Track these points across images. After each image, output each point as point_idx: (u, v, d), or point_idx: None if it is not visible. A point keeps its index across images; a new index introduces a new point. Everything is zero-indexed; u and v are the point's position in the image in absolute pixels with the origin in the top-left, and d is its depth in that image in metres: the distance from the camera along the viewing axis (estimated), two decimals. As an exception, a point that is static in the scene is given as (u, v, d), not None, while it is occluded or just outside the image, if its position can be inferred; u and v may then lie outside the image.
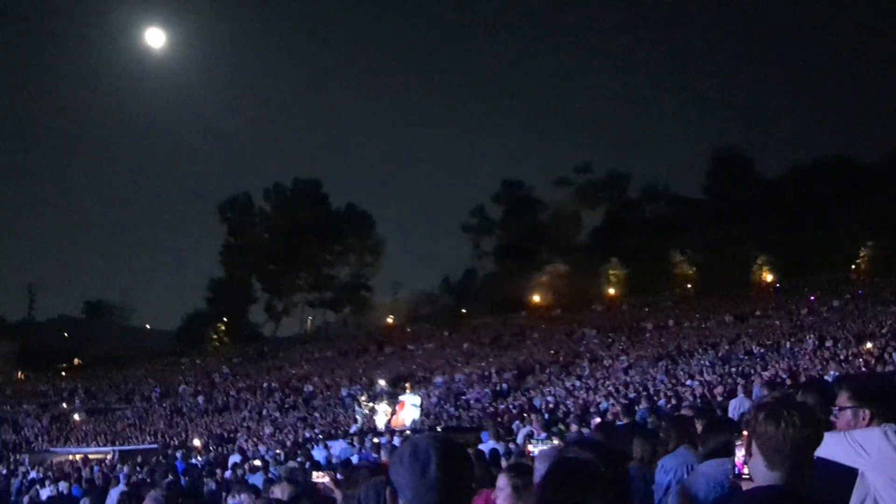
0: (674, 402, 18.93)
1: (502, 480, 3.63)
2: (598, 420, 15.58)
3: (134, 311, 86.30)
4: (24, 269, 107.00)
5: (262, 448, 26.11)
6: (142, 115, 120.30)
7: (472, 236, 78.11)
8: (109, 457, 29.76)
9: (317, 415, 37.30)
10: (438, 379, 39.20)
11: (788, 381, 16.61)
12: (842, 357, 22.22)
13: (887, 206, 49.70)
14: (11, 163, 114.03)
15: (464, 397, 34.35)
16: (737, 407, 11.18)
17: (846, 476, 3.12)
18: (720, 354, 29.51)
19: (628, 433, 6.42)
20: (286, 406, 41.04)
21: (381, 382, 38.52)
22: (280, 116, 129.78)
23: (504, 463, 9.25)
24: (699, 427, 5.08)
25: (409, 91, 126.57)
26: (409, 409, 25.96)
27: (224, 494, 11.02)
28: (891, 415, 3.16)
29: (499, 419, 24.68)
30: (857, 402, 3.27)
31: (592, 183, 73.06)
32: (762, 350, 28.38)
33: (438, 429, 24.37)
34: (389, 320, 71.95)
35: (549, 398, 28.57)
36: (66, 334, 78.12)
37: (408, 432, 21.71)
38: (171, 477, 16.12)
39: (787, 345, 27.86)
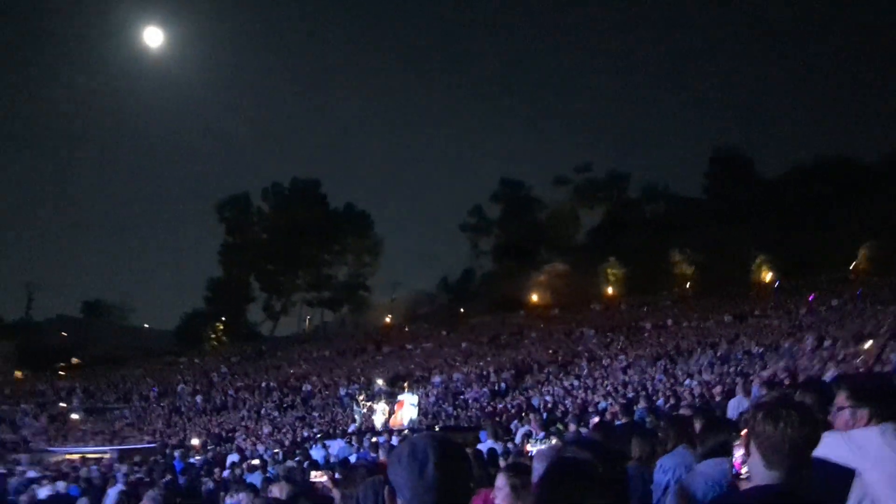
0: (672, 401, 18.94)
1: (501, 480, 3.63)
2: (596, 420, 15.59)
3: (132, 311, 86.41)
4: (22, 269, 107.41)
5: (260, 447, 26.11)
6: (140, 114, 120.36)
7: (470, 236, 78.25)
8: (108, 456, 29.73)
9: (315, 414, 37.33)
10: (436, 378, 39.19)
11: (787, 381, 16.62)
12: (840, 357, 22.22)
13: (886, 205, 49.74)
14: (10, 162, 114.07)
15: (462, 397, 34.37)
16: (736, 407, 11.16)
17: (844, 476, 3.12)
18: (719, 354, 29.50)
19: (627, 433, 6.41)
20: (284, 405, 41.05)
21: (380, 382, 38.53)
22: (279, 116, 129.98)
23: (502, 463, 9.25)
24: (698, 427, 5.09)
25: (407, 91, 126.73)
26: (408, 408, 25.98)
27: (222, 494, 11.02)
28: (889, 414, 3.16)
29: (497, 419, 24.71)
30: (856, 402, 3.27)
31: (591, 182, 73.15)
32: (761, 350, 28.36)
33: (436, 428, 24.39)
34: (388, 320, 71.98)
35: (548, 398, 28.60)
36: (64, 334, 78.08)
37: (406, 432, 21.73)
38: (169, 476, 16.13)
39: (786, 344, 27.84)
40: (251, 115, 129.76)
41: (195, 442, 32.51)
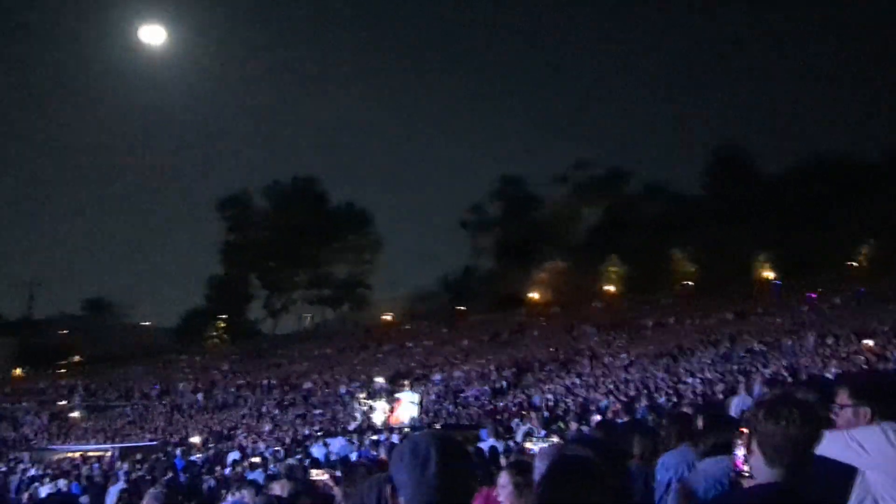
0: (674, 399, 18.97)
1: (504, 478, 3.64)
2: (598, 418, 15.61)
3: (133, 309, 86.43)
4: (23, 267, 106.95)
5: (261, 445, 26.15)
6: (140, 112, 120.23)
7: (470, 233, 78.17)
8: (109, 454, 29.78)
9: (316, 412, 37.36)
10: (437, 376, 39.22)
11: (789, 379, 16.63)
12: (842, 355, 22.23)
13: (888, 205, 49.67)
14: (10, 160, 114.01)
15: (462, 395, 34.37)
16: (738, 405, 11.17)
17: (846, 474, 3.11)
18: (721, 352, 29.48)
19: (628, 431, 6.41)
20: (285, 403, 41.10)
21: (380, 380, 38.56)
22: (279, 114, 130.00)
23: (503, 461, 9.26)
24: (700, 424, 5.08)
25: (407, 88, 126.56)
26: (408, 406, 26.04)
27: (224, 491, 11.03)
28: (891, 413, 3.15)
29: (498, 417, 24.73)
30: (858, 401, 3.26)
31: (592, 180, 73.02)
32: (763, 347, 28.37)
33: (437, 426, 24.39)
34: (388, 318, 71.92)
35: (549, 396, 28.60)
36: (65, 332, 78.17)
37: (406, 430, 21.74)
38: (170, 474, 16.14)
39: (788, 342, 27.85)
40: (251, 114, 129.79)
41: (196, 440, 32.56)
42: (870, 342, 23.42)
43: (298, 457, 15.75)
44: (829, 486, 3.08)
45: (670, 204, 68.66)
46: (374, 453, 13.77)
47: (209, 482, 15.26)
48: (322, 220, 76.86)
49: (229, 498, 8.54)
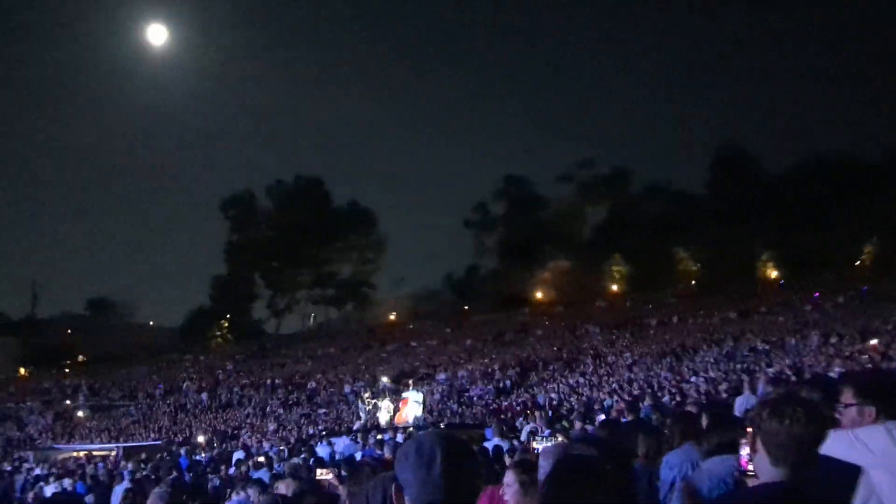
0: (678, 398, 18.95)
1: (510, 477, 3.65)
2: (602, 417, 15.61)
3: (137, 309, 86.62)
4: (27, 266, 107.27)
5: (265, 444, 26.17)
6: (144, 111, 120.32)
7: (474, 233, 78.16)
8: (114, 454, 29.84)
9: (320, 411, 37.40)
10: (441, 376, 39.23)
11: (793, 378, 16.61)
12: (846, 354, 22.20)
13: (890, 204, 49.63)
14: (13, 160, 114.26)
15: (467, 394, 34.38)
16: (743, 404, 11.15)
17: (850, 474, 3.11)
18: (724, 351, 29.46)
19: (632, 430, 6.41)
20: (289, 403, 41.15)
21: (384, 379, 38.58)
22: (282, 113, 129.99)
23: (508, 460, 9.27)
24: (704, 423, 5.09)
25: (411, 88, 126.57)
26: (412, 405, 26.04)
27: (228, 491, 11.03)
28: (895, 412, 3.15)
29: (502, 416, 24.75)
30: (862, 400, 3.26)
31: (595, 179, 72.99)
32: (767, 347, 28.35)
33: (441, 426, 24.39)
34: (392, 317, 71.98)
35: (553, 395, 28.61)
36: (69, 331, 78.31)
37: (411, 429, 21.75)
38: (175, 473, 16.15)
39: (792, 341, 27.83)
40: (254, 113, 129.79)
41: (201, 439, 32.61)
42: (874, 341, 23.39)
43: (303, 456, 15.75)
44: (834, 485, 3.08)
45: (673, 203, 68.59)
46: (379, 452, 13.76)
47: (214, 482, 15.27)
48: (326, 219, 76.90)
49: (234, 497, 8.55)
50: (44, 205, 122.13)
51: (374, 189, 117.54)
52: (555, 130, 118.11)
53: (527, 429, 15.35)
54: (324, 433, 26.67)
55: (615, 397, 23.30)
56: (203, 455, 24.55)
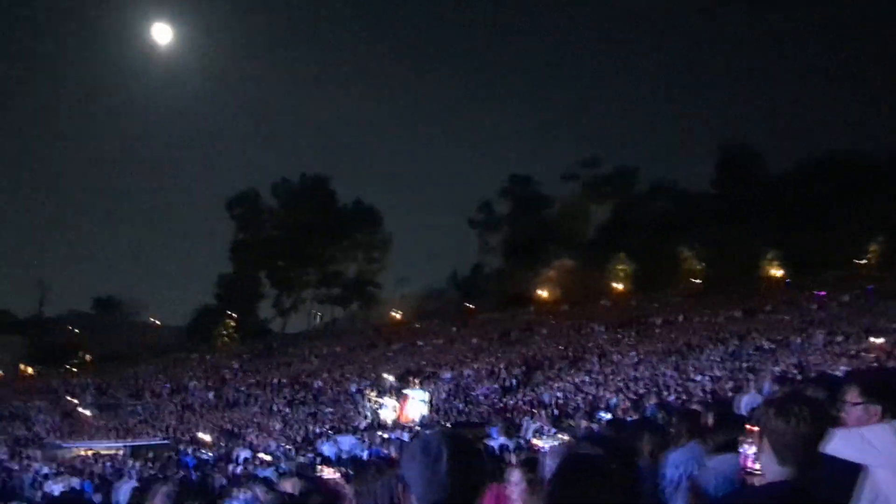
0: (683, 397, 18.94)
1: (517, 475, 3.65)
2: (607, 415, 15.61)
3: (144, 308, 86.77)
4: (34, 266, 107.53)
5: (271, 443, 26.24)
6: (150, 111, 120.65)
7: (479, 232, 78.15)
8: (120, 452, 29.93)
9: (326, 410, 37.43)
10: (446, 375, 39.23)
11: (798, 377, 16.59)
12: (851, 352, 22.17)
13: (894, 203, 49.50)
14: (19, 159, 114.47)
15: (472, 393, 34.38)
16: (747, 402, 11.14)
17: (855, 473, 3.11)
18: (729, 350, 29.43)
19: (638, 428, 6.41)
20: (295, 401, 41.18)
21: (390, 378, 38.60)
22: (288, 112, 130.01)
23: (513, 458, 9.27)
24: (709, 421, 5.09)
25: (416, 87, 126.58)
26: (418, 404, 26.08)
27: (234, 489, 11.07)
28: (901, 411, 3.15)
29: (507, 415, 24.75)
30: (867, 398, 3.25)
31: (600, 178, 72.91)
32: (771, 346, 28.31)
33: (447, 424, 24.42)
34: (397, 316, 71.97)
35: (558, 394, 28.61)
36: (76, 330, 78.52)
37: (417, 428, 21.77)
38: (181, 472, 16.22)
39: (797, 340, 27.79)
40: (260, 112, 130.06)
41: (207, 438, 32.67)
42: (879, 340, 23.35)
43: (309, 455, 15.81)
44: (839, 484, 3.08)
45: (678, 202, 68.44)
46: (384, 451, 13.80)
47: (219, 480, 15.31)
48: (331, 218, 76.90)
49: (240, 496, 8.58)
50: (50, 204, 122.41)
51: (379, 188, 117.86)
52: (559, 129, 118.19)
53: (532, 427, 15.37)
54: (329, 432, 26.71)
55: (620, 396, 23.32)
56: (209, 454, 24.63)
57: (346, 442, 19.38)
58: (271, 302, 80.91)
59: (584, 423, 13.55)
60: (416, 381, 34.80)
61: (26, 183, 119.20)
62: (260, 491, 7.39)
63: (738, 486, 3.68)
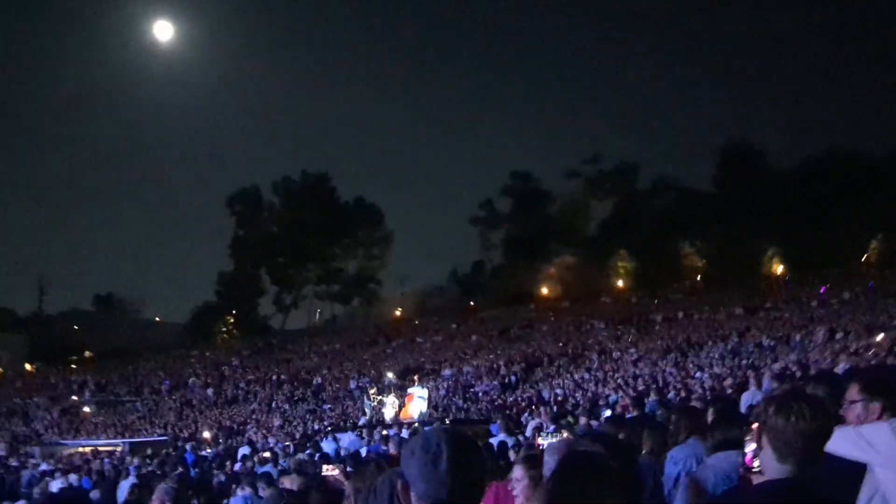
0: (683, 394, 18.94)
1: (519, 472, 3.65)
2: (607, 412, 15.61)
3: (144, 305, 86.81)
4: (34, 263, 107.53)
5: (271, 440, 26.21)
6: (151, 107, 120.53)
7: (480, 229, 78.19)
8: (120, 449, 29.96)
9: (325, 407, 37.46)
10: (447, 371, 39.25)
11: (799, 374, 16.57)
12: (852, 349, 22.14)
13: (895, 201, 49.54)
14: (21, 155, 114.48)
15: (472, 390, 34.40)
16: (749, 400, 11.14)
17: (856, 471, 3.11)
18: (730, 347, 29.43)
19: (638, 425, 6.41)
20: (295, 398, 41.19)
21: (390, 375, 38.62)
22: (289, 110, 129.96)
23: (513, 455, 9.27)
24: (710, 418, 5.09)
25: (416, 84, 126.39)
26: (418, 401, 26.04)
27: (234, 486, 11.07)
28: (902, 408, 3.15)
29: (507, 412, 24.75)
30: (868, 396, 3.26)
31: (601, 175, 72.92)
32: (772, 342, 28.30)
33: (447, 421, 24.44)
34: (397, 313, 72.01)
35: (558, 391, 28.64)
36: (76, 327, 78.54)
37: (416, 425, 21.78)
38: (180, 469, 16.21)
39: (798, 337, 27.77)
40: (261, 110, 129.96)
41: (206, 435, 32.68)
42: (880, 337, 23.32)
43: (308, 452, 15.80)
44: (839, 482, 3.08)
45: (679, 199, 68.51)
46: (385, 448, 13.80)
47: (219, 477, 15.31)
48: (332, 215, 76.93)
49: (239, 493, 8.59)
50: (50, 201, 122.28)
51: (381, 185, 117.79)
52: (560, 127, 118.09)
53: (532, 424, 15.35)
54: (329, 429, 26.73)
55: (620, 393, 23.30)
56: (209, 451, 24.64)
57: (346, 439, 19.38)
58: (272, 299, 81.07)
59: (584, 421, 13.54)
60: (416, 377, 34.79)
61: (26, 181, 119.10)
62: (260, 487, 7.40)
63: (737, 484, 3.68)
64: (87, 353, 71.61)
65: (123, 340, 72.80)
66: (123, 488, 13.38)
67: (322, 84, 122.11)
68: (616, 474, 2.33)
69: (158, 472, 15.73)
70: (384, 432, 18.69)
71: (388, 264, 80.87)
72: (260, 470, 12.69)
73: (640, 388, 23.60)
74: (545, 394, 28.52)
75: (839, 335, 26.20)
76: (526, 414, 21.51)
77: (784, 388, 5.32)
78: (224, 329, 77.71)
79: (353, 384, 40.32)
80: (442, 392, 34.34)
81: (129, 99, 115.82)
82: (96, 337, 75.02)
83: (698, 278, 60.13)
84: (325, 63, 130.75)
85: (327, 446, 17.29)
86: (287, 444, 22.57)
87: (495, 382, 34.48)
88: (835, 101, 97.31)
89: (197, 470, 17.03)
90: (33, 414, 43.98)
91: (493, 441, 11.47)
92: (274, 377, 46.84)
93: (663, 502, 4.72)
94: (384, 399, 26.99)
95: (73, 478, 17.86)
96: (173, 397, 45.77)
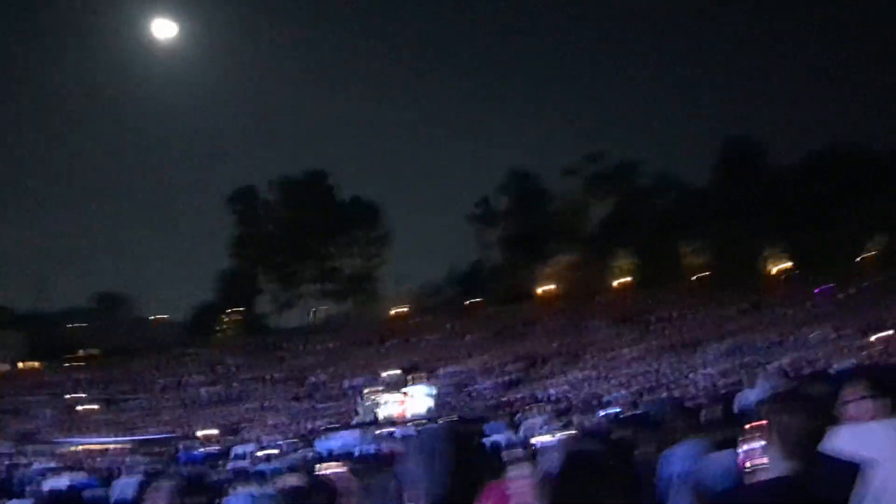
0: (682, 393, 18.95)
1: (518, 471, 3.65)
2: (606, 411, 15.62)
3: (143, 303, 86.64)
4: (34, 260, 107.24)
5: (270, 438, 26.23)
6: (150, 105, 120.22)
7: (478, 227, 78.03)
8: (119, 446, 29.95)
9: (323, 405, 37.44)
10: (446, 370, 39.23)
11: (800, 372, 16.59)
12: (853, 347, 22.17)
13: (896, 199, 49.57)
14: (21, 153, 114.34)
15: (471, 388, 34.39)
16: (748, 398, 11.12)
17: (853, 469, 3.10)
18: (730, 345, 29.44)
19: (637, 424, 6.41)
20: (294, 397, 41.18)
21: (389, 374, 38.60)
22: (287, 110, 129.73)
23: (513, 454, 9.26)
24: (707, 418, 5.09)
25: (415, 82, 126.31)
26: (417, 399, 26.07)
27: (233, 483, 11.09)
28: (900, 407, 3.15)
29: (507, 410, 24.76)
30: (870, 393, 3.26)
31: (601, 173, 72.82)
32: (771, 341, 28.32)
33: (446, 420, 24.43)
34: (395, 312, 71.93)
35: (556, 389, 28.64)
36: (76, 325, 78.42)
37: (416, 423, 21.79)
38: (181, 466, 16.21)
39: (800, 335, 27.79)
40: (260, 109, 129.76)
41: (206, 433, 32.69)
42: (882, 333, 23.34)
43: (308, 449, 15.81)
44: (838, 480, 3.07)
45: (680, 198, 68.47)
46: (383, 446, 13.80)
47: (220, 475, 15.32)
48: (331, 214, 76.87)
49: (239, 490, 8.58)
50: (50, 199, 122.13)
51: (379, 184, 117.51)
52: (561, 124, 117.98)
53: (531, 423, 15.37)
54: (328, 427, 26.74)
55: (619, 391, 23.32)
56: (208, 448, 24.64)
57: (346, 437, 19.39)
58: (270, 297, 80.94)
59: (583, 419, 13.55)
60: (415, 376, 34.80)
61: (26, 179, 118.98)
62: (258, 486, 7.39)
63: (736, 482, 3.68)
64: (87, 351, 71.55)
65: (123, 339, 72.68)
66: (123, 485, 13.40)
67: (321, 83, 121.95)
68: (614, 472, 2.33)
69: (159, 470, 15.74)
70: (383, 430, 18.73)
71: (386, 263, 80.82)
72: (259, 468, 12.70)
73: (639, 386, 23.64)
74: (543, 392, 28.53)
75: (842, 333, 26.27)
76: (525, 412, 21.52)
77: (786, 386, 5.33)
78: (224, 327, 77.65)
79: (350, 383, 40.31)
80: (441, 391, 34.30)
81: (129, 97, 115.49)
82: (96, 335, 74.92)
83: (698, 277, 60.09)
84: (325, 62, 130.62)
85: (326, 444, 17.31)
86: (286, 441, 22.59)
87: (494, 381, 34.49)
88: (835, 100, 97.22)
89: (198, 467, 17.03)
90: (35, 412, 43.97)
91: (492, 439, 11.46)
92: (272, 376, 46.83)
93: (661, 501, 4.72)
94: (382, 397, 27.02)
95: (74, 475, 17.86)
96: (174, 396, 45.77)
